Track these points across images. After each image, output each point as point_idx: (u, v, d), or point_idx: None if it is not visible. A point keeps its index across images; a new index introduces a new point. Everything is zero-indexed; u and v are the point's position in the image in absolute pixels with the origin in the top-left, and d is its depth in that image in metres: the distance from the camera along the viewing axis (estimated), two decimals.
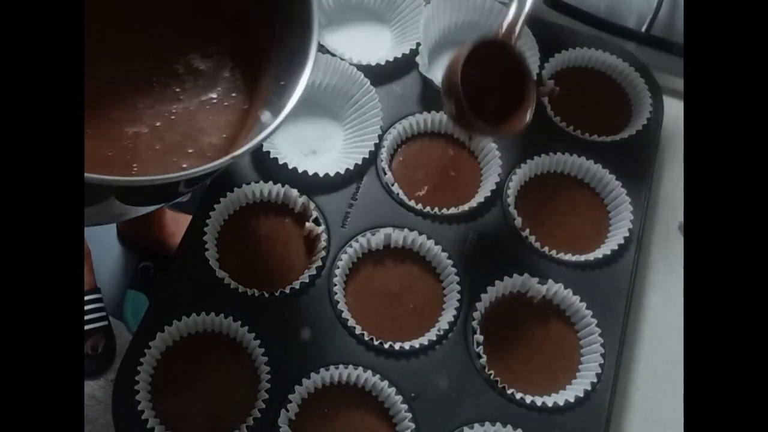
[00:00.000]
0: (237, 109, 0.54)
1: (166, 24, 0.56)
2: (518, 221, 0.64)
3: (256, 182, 0.63)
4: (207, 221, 0.61)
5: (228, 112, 0.54)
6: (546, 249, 0.63)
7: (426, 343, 0.58)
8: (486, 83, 0.57)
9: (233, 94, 0.55)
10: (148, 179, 0.44)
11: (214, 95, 0.55)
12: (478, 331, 0.58)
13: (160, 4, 0.56)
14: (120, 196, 0.47)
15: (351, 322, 0.58)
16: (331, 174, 0.63)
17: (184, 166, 0.50)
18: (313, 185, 0.63)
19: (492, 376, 0.57)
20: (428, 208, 0.64)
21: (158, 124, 0.52)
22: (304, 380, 0.56)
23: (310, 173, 0.63)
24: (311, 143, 0.67)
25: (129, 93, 0.53)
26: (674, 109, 0.71)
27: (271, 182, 0.63)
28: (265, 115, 0.49)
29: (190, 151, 0.51)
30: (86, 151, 0.48)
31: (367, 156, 0.64)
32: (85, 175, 0.37)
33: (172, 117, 0.53)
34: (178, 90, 0.54)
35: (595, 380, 0.58)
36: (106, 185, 0.42)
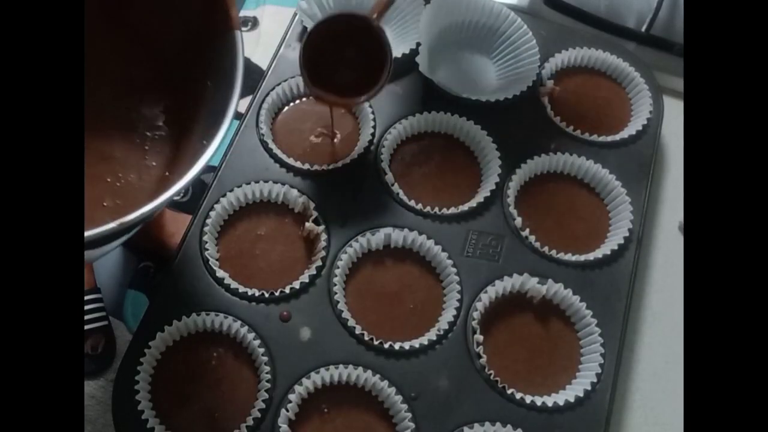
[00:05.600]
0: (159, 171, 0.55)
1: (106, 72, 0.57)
2: (518, 221, 0.64)
3: (256, 182, 0.63)
4: (207, 221, 0.61)
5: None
6: (546, 249, 0.63)
7: (426, 343, 0.58)
8: (340, 56, 0.61)
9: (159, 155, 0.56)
10: None
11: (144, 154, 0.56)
12: (478, 331, 0.58)
13: (102, 55, 0.56)
14: None
15: (351, 322, 0.58)
16: (333, 172, 0.63)
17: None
18: (313, 185, 0.63)
19: (492, 376, 0.57)
20: (428, 208, 0.64)
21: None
22: (304, 380, 0.56)
23: (311, 170, 0.63)
24: None
25: None
26: (674, 109, 0.71)
27: (271, 182, 0.63)
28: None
29: (105, 204, 0.52)
30: None
31: (367, 152, 0.64)
32: None
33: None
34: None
35: (595, 380, 0.58)
36: None
